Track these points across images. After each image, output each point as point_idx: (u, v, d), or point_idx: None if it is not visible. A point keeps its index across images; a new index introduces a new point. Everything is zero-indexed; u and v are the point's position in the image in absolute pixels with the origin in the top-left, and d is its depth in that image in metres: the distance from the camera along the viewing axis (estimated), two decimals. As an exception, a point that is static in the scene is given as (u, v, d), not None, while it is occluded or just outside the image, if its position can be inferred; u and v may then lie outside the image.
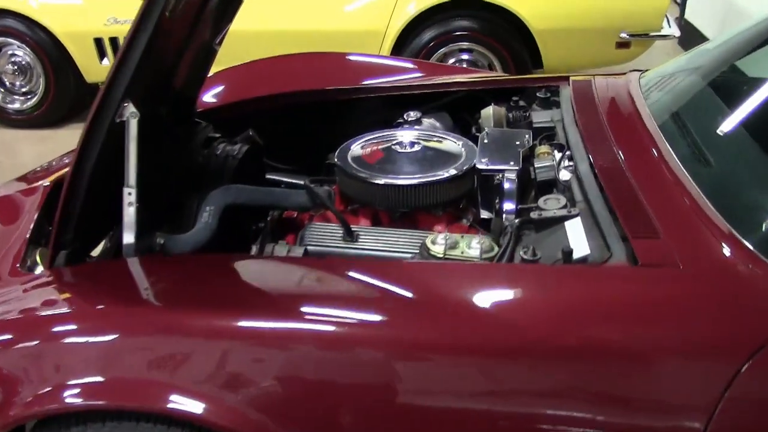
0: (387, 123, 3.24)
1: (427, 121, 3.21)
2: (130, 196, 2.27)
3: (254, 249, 2.57)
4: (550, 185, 2.58)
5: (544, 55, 5.55)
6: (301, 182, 2.96)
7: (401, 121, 3.20)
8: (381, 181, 2.61)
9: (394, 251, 2.39)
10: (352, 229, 2.51)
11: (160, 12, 2.17)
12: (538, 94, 3.13)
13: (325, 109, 3.33)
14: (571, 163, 2.53)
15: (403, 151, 2.76)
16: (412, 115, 3.20)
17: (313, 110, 3.33)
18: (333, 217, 2.63)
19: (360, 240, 2.49)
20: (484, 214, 2.65)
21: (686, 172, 2.23)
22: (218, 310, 2.04)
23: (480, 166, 2.62)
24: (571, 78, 3.17)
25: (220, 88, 3.49)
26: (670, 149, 2.34)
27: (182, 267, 2.34)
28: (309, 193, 2.65)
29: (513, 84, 3.30)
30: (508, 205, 2.52)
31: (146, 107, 2.26)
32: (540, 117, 3.02)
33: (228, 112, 3.28)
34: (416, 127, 3.06)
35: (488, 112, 3.05)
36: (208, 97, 3.39)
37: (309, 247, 2.46)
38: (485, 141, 2.77)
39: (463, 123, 3.28)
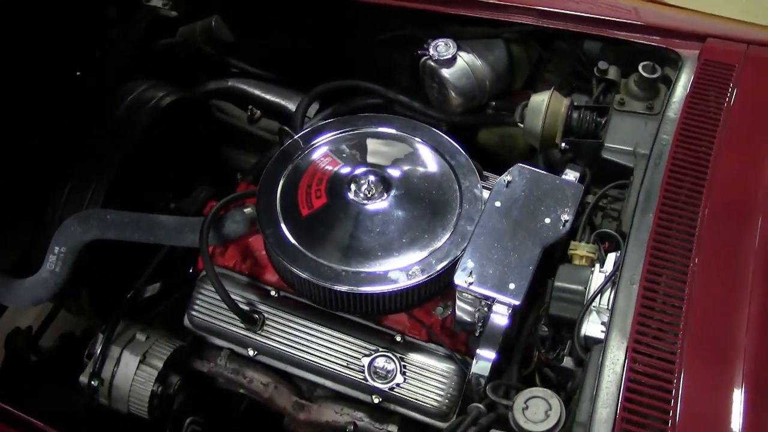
0: (407, 46, 2.18)
1: (464, 59, 2.07)
2: None
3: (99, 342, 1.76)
4: (568, 325, 1.59)
5: None
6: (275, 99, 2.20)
7: (422, 53, 2.07)
8: (303, 275, 1.66)
9: (306, 357, 1.76)
10: (258, 308, 1.79)
11: None
12: (640, 68, 1.89)
13: (331, 5, 2.21)
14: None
15: (359, 201, 1.73)
16: (443, 47, 2.05)
17: (318, 4, 2.21)
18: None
19: (265, 329, 1.77)
20: (460, 317, 1.68)
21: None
22: None
23: (459, 283, 1.60)
24: (709, 42, 1.89)
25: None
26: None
27: None
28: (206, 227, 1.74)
29: (610, 30, 2.01)
30: (485, 353, 1.58)
31: None
32: (622, 132, 1.83)
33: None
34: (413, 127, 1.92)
35: (540, 103, 1.89)
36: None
37: (195, 318, 1.82)
38: (496, 204, 1.70)
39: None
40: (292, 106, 2.22)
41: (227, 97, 2.29)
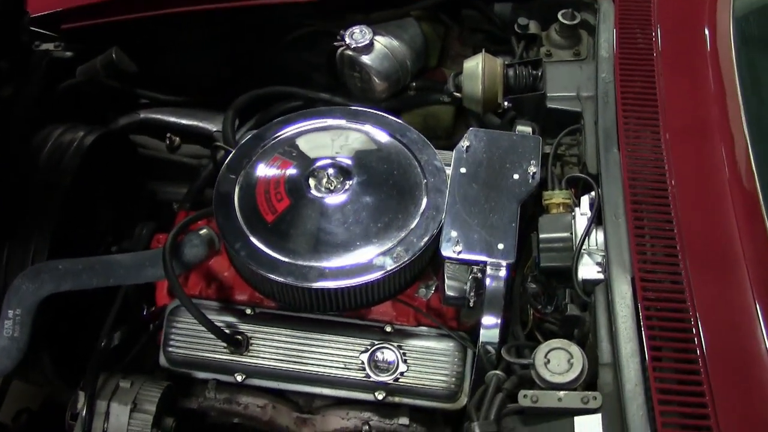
0: (318, 42, 2.16)
1: (381, 42, 2.03)
2: None
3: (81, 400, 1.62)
4: (563, 277, 1.57)
5: None
6: (192, 122, 2.12)
7: (338, 44, 2.02)
8: (287, 281, 1.58)
9: (300, 368, 1.66)
10: (239, 329, 1.69)
11: None
12: (560, 16, 1.91)
13: (233, 16, 2.13)
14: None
15: (322, 197, 1.67)
16: (358, 35, 2.01)
17: (216, 16, 2.12)
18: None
19: (251, 350, 1.67)
20: (450, 291, 1.63)
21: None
22: None
23: (447, 254, 1.56)
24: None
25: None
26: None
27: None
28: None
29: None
30: (490, 320, 1.53)
31: None
32: (560, 80, 1.84)
33: (80, 18, 2.09)
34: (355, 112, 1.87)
35: (475, 67, 1.88)
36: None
37: (173, 354, 1.69)
38: (461, 171, 1.67)
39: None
40: (210, 126, 2.13)
41: (141, 129, 2.17)
